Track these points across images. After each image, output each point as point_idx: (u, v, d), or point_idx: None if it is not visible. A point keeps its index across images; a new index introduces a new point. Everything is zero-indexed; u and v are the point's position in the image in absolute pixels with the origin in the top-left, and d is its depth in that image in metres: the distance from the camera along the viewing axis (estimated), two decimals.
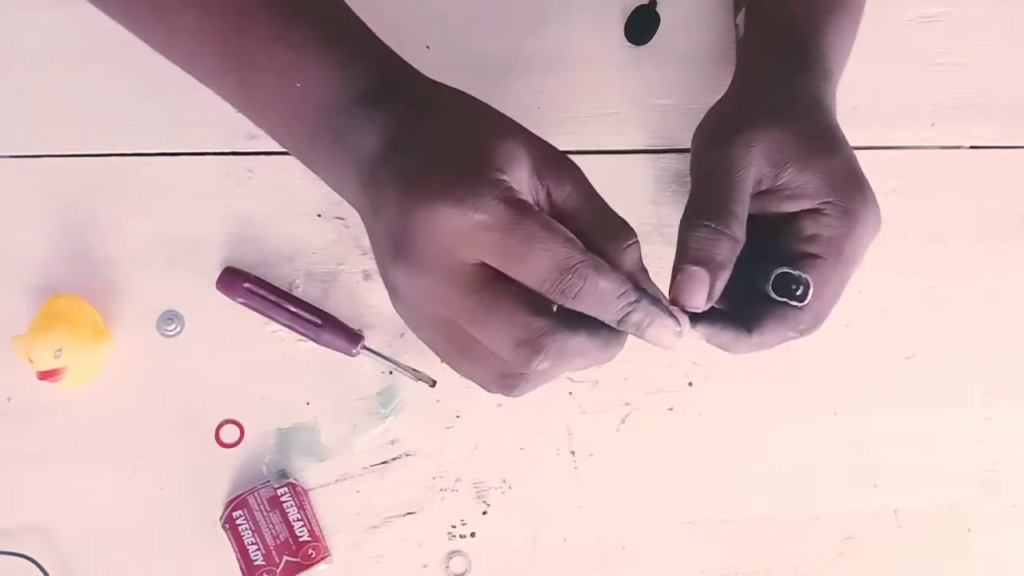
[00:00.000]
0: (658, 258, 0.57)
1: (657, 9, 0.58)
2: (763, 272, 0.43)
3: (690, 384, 0.56)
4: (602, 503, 0.54)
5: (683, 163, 0.58)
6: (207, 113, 0.56)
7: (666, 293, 0.43)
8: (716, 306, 0.44)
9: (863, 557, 0.55)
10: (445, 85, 0.41)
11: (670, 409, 0.56)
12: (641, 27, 0.58)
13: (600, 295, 0.36)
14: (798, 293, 0.42)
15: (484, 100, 0.56)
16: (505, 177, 0.36)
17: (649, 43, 0.59)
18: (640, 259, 0.40)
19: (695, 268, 0.42)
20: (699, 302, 0.42)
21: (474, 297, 0.36)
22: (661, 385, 0.56)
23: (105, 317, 0.53)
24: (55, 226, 0.54)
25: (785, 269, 0.43)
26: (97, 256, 0.54)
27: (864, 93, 0.58)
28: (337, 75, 0.40)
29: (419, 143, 0.37)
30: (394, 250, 0.36)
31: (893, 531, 0.56)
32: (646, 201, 0.57)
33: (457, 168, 0.35)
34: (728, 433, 0.56)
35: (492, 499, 0.54)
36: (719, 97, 0.58)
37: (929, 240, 0.59)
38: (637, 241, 0.39)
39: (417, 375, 0.53)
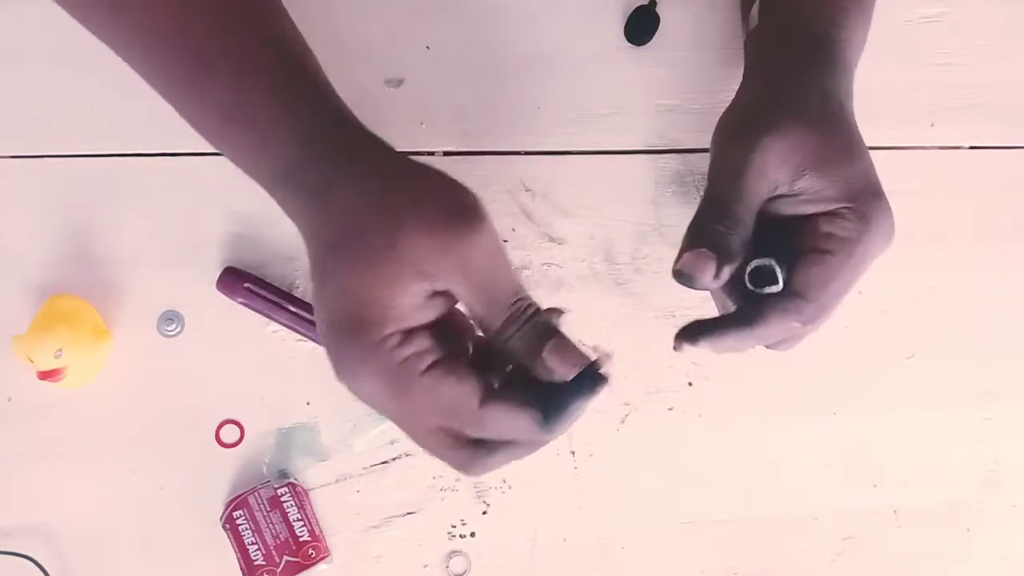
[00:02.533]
0: (659, 259, 0.57)
1: (657, 9, 0.58)
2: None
3: (690, 384, 0.56)
4: (602, 503, 0.54)
5: (683, 163, 0.58)
6: None
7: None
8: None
9: (863, 557, 0.56)
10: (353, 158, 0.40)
11: (670, 409, 0.56)
12: (641, 27, 0.58)
13: (508, 434, 0.38)
14: (775, 276, 0.43)
15: (484, 100, 0.57)
16: (385, 332, 0.36)
17: (649, 43, 0.59)
18: (537, 337, 0.39)
19: (703, 249, 0.43)
20: (707, 277, 0.43)
21: (401, 426, 0.39)
22: (661, 385, 0.56)
23: (105, 317, 0.53)
24: (55, 226, 0.54)
25: (758, 262, 0.43)
26: (97, 256, 0.54)
27: (864, 93, 0.58)
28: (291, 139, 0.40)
29: (320, 267, 0.38)
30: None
31: (893, 531, 0.56)
32: (646, 201, 0.57)
33: (340, 337, 0.37)
34: (728, 433, 0.56)
35: (492, 499, 0.54)
36: (719, 97, 0.58)
37: (929, 240, 0.59)
38: (534, 323, 0.39)
39: None
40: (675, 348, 0.46)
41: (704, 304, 0.56)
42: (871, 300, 0.57)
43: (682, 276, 0.44)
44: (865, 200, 0.44)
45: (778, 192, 0.45)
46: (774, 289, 0.43)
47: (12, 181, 0.54)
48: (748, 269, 0.44)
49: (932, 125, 0.60)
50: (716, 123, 0.49)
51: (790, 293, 0.44)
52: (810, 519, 0.56)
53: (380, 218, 0.37)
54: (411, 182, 0.38)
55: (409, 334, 0.37)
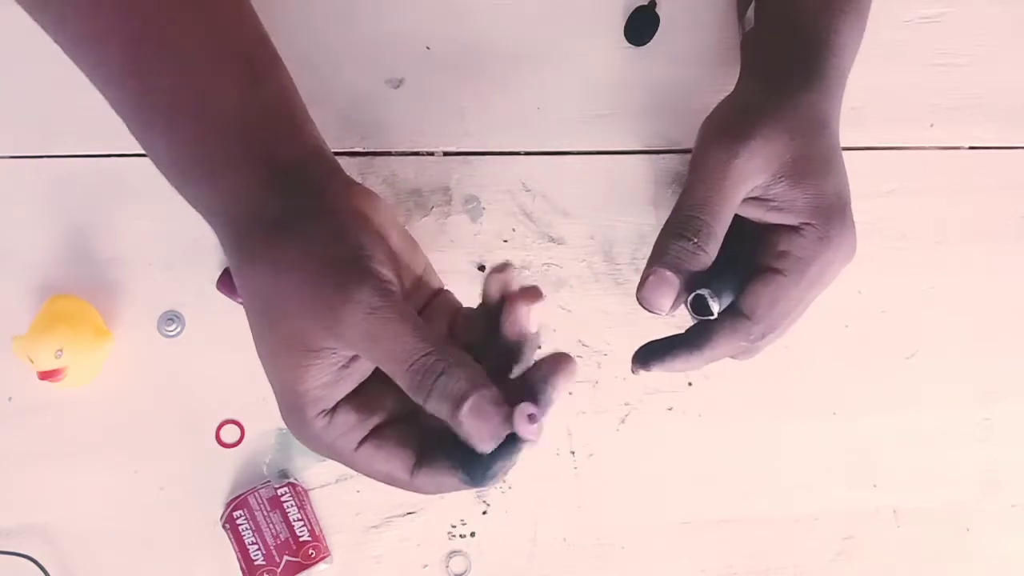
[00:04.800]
0: None
1: (657, 9, 0.58)
2: (718, 276, 0.44)
3: (689, 384, 0.56)
4: (602, 503, 0.55)
5: (683, 163, 0.58)
6: None
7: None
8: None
9: (863, 557, 0.56)
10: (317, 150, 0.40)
11: (670, 409, 0.56)
12: (641, 27, 0.58)
13: (442, 488, 0.38)
14: (709, 309, 0.43)
15: (484, 100, 0.57)
16: (319, 410, 0.37)
17: (649, 43, 0.59)
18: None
19: (669, 273, 0.43)
20: (665, 306, 0.44)
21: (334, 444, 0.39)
22: (660, 385, 0.56)
23: (106, 317, 0.53)
24: (56, 226, 0.54)
25: (701, 291, 0.43)
26: (98, 256, 0.54)
27: (863, 93, 0.58)
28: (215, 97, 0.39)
29: (258, 340, 0.38)
30: (258, 330, 0.38)
31: (892, 531, 0.56)
32: (646, 202, 0.57)
33: (285, 411, 0.38)
34: (727, 433, 0.56)
35: (492, 499, 0.54)
36: (719, 97, 0.58)
37: (929, 240, 0.59)
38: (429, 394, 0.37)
39: None
40: (633, 372, 0.47)
41: None
42: (871, 300, 0.57)
43: (646, 303, 0.44)
44: (830, 218, 0.44)
45: (752, 194, 0.45)
46: (709, 317, 0.44)
47: (12, 181, 0.54)
48: (688, 298, 0.44)
49: (932, 125, 0.60)
50: (702, 124, 0.49)
51: (738, 313, 0.44)
52: (810, 519, 0.56)
53: (273, 302, 0.36)
54: (299, 254, 0.36)
55: (333, 412, 0.37)
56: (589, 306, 0.56)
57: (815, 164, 0.45)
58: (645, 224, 0.57)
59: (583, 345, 0.56)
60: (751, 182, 0.44)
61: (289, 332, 0.36)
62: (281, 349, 0.37)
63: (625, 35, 0.58)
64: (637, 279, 0.56)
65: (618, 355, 0.56)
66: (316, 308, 0.35)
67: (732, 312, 0.44)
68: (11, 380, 0.52)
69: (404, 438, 0.38)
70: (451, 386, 0.34)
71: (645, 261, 0.56)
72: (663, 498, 0.55)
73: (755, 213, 0.45)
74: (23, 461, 0.52)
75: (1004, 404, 0.58)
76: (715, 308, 0.43)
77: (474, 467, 0.35)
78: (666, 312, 0.44)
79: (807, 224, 0.44)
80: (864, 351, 0.57)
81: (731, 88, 0.58)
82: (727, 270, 0.45)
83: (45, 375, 0.49)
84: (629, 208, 0.57)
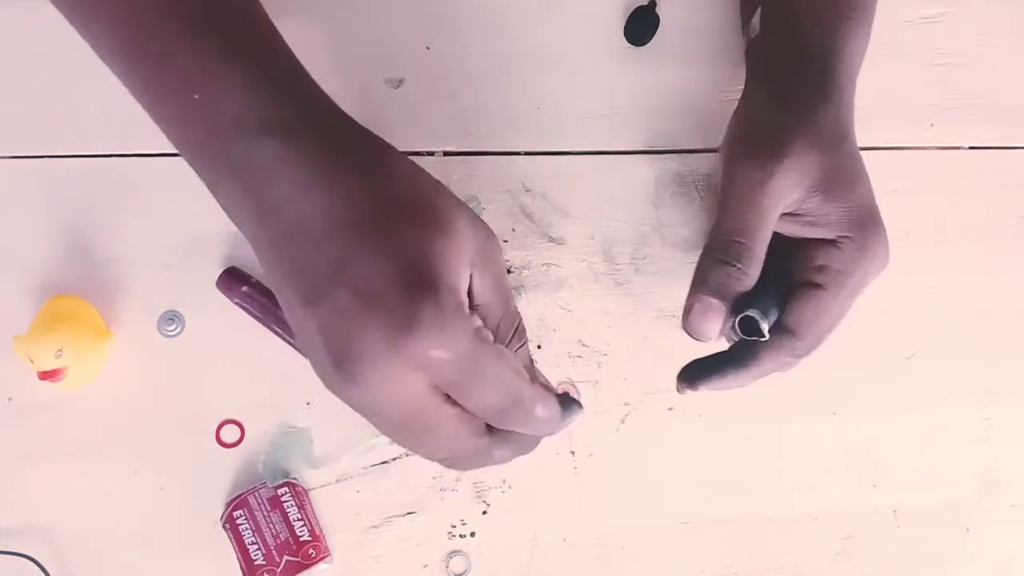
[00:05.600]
0: (659, 259, 0.57)
1: (657, 10, 0.58)
2: (758, 294, 0.45)
3: None
4: (602, 503, 0.55)
5: (683, 164, 0.58)
6: None
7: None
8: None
9: (863, 557, 0.56)
10: (379, 140, 0.36)
11: (670, 409, 0.56)
12: (641, 27, 0.58)
13: (535, 423, 0.36)
14: (759, 329, 0.44)
15: (484, 100, 0.57)
16: (463, 299, 0.33)
17: (649, 43, 0.59)
18: (529, 357, 0.40)
19: (715, 300, 0.43)
20: (713, 333, 0.44)
21: (415, 418, 0.34)
22: (661, 385, 0.56)
23: (106, 317, 0.53)
24: (55, 226, 0.54)
25: (749, 312, 0.43)
26: (98, 256, 0.54)
27: (864, 93, 0.58)
28: (238, 93, 0.34)
29: (362, 226, 0.32)
30: (332, 359, 0.32)
31: (892, 531, 0.56)
32: (646, 202, 0.57)
33: (415, 291, 0.31)
34: (727, 433, 0.56)
35: (492, 499, 0.54)
36: (718, 97, 0.58)
37: (929, 240, 0.59)
38: (527, 342, 0.39)
39: None
40: (678, 391, 0.47)
41: None
42: (871, 300, 0.57)
43: (692, 333, 0.44)
44: (865, 228, 0.45)
45: (786, 210, 0.45)
46: (760, 338, 0.44)
47: (12, 181, 0.54)
48: (736, 320, 0.44)
49: (932, 125, 0.60)
50: (725, 140, 0.49)
51: (782, 330, 0.44)
52: (810, 519, 0.56)
53: (440, 196, 0.34)
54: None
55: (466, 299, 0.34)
56: (589, 306, 0.56)
57: (844, 176, 0.45)
58: (645, 224, 0.57)
59: (583, 345, 0.56)
60: (786, 200, 0.44)
61: (418, 200, 0.33)
62: (406, 213, 0.32)
63: (625, 35, 0.58)
64: (637, 279, 0.56)
65: (618, 355, 0.56)
66: (484, 232, 0.34)
67: (777, 329, 0.45)
68: (11, 380, 0.52)
69: None
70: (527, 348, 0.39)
71: (645, 261, 0.57)
72: (663, 498, 0.55)
73: (789, 229, 0.46)
74: (23, 461, 0.52)
75: (1004, 404, 0.58)
76: (766, 329, 0.43)
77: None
78: (714, 339, 0.44)
79: (844, 237, 0.45)
80: (864, 351, 0.57)
81: (732, 88, 0.58)
82: (764, 286, 0.45)
83: (45, 375, 0.49)
84: (629, 208, 0.57)
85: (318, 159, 0.33)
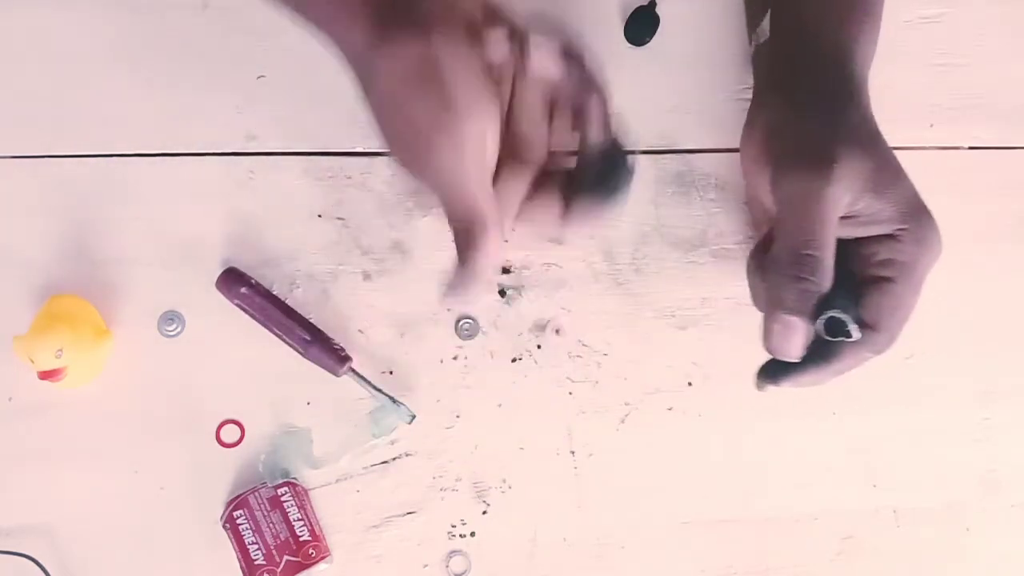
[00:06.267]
0: (659, 259, 0.57)
1: (657, 10, 0.58)
2: (831, 295, 0.44)
3: (690, 384, 0.56)
4: (602, 503, 0.55)
5: (683, 163, 0.58)
6: (207, 113, 0.56)
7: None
8: None
9: (863, 557, 0.56)
10: None
11: (670, 409, 0.56)
12: (641, 28, 0.58)
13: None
14: (846, 330, 0.43)
15: None
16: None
17: (649, 43, 0.59)
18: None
19: (794, 319, 0.43)
20: (797, 352, 0.44)
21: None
22: (661, 385, 0.56)
23: (106, 317, 0.53)
24: (56, 226, 0.54)
25: (833, 313, 0.43)
26: (98, 256, 0.54)
27: None
28: None
29: None
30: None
31: (892, 531, 0.56)
32: (646, 201, 0.57)
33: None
34: (728, 433, 0.56)
35: (492, 499, 0.54)
36: (719, 97, 0.58)
37: None
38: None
39: (398, 406, 0.53)
40: (759, 388, 0.47)
41: (705, 304, 0.57)
42: None
43: (776, 353, 0.44)
44: (919, 218, 0.45)
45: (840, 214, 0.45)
46: (847, 339, 0.44)
47: (12, 181, 0.54)
48: (823, 320, 0.44)
49: (931, 125, 0.60)
50: (756, 155, 0.49)
51: (862, 326, 0.45)
52: (810, 519, 0.56)
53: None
54: None
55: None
56: (589, 306, 0.56)
57: (888, 172, 0.46)
58: (645, 224, 0.57)
59: (583, 345, 0.56)
60: (842, 205, 0.45)
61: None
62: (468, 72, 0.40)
63: (625, 35, 0.58)
64: (637, 279, 0.56)
65: (618, 355, 0.56)
66: None
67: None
68: (11, 380, 0.52)
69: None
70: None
71: (645, 261, 0.57)
72: (663, 498, 0.55)
73: (845, 231, 0.46)
74: (23, 461, 0.52)
75: (1004, 404, 0.58)
76: (855, 330, 0.43)
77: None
78: (798, 357, 0.44)
79: (901, 229, 0.45)
80: None
81: (732, 88, 0.58)
82: (833, 288, 0.45)
83: (45, 375, 0.49)
84: (629, 208, 0.57)
85: None
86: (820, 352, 0.45)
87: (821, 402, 0.57)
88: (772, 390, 0.47)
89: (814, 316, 0.44)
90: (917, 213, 0.46)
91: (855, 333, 0.43)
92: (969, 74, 0.60)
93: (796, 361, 0.45)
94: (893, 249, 0.45)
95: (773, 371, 0.46)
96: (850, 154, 0.45)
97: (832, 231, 0.44)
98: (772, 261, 0.45)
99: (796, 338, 0.44)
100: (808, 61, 0.50)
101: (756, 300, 0.50)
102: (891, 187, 0.45)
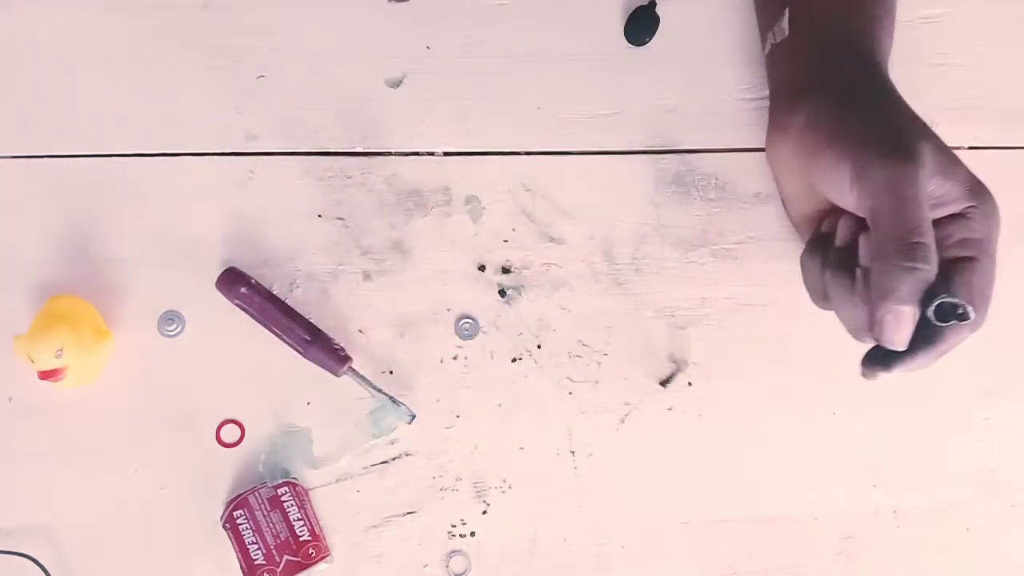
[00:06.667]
0: (659, 259, 0.57)
1: (657, 10, 0.58)
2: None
3: (690, 384, 0.56)
4: (602, 503, 0.55)
5: (683, 163, 0.58)
6: (207, 113, 0.56)
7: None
8: None
9: (862, 557, 0.56)
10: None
11: (670, 409, 0.56)
12: (641, 27, 0.58)
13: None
14: (959, 312, 0.44)
15: (484, 100, 0.57)
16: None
17: (649, 43, 0.59)
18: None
19: (906, 308, 0.43)
20: (907, 341, 0.44)
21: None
22: (660, 385, 0.56)
23: (106, 317, 0.53)
24: (56, 226, 0.54)
25: (944, 298, 0.44)
26: (98, 256, 0.54)
27: None
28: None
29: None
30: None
31: (892, 531, 0.56)
32: (646, 201, 0.57)
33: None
34: (728, 433, 0.56)
35: (492, 499, 0.54)
36: (719, 97, 0.58)
37: None
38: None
39: (398, 406, 0.53)
40: (866, 376, 0.47)
41: (705, 304, 0.57)
42: None
43: (888, 343, 0.44)
44: (981, 196, 0.47)
45: None
46: (962, 322, 0.44)
47: (12, 181, 0.54)
48: (934, 306, 0.44)
49: (932, 126, 0.60)
50: (780, 149, 0.52)
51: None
52: (810, 519, 0.56)
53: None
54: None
55: None
56: (589, 306, 0.56)
57: (947, 152, 0.47)
58: (645, 224, 0.57)
59: (583, 345, 0.56)
60: (928, 189, 0.45)
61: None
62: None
63: (625, 35, 0.58)
64: (637, 279, 0.56)
65: (618, 355, 0.56)
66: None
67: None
68: (11, 380, 0.52)
69: None
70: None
71: (645, 261, 0.57)
72: (663, 498, 0.55)
73: None
74: (23, 461, 0.52)
75: (1004, 404, 0.58)
76: (970, 311, 0.44)
77: None
78: (906, 344, 0.44)
79: (970, 207, 0.46)
80: (864, 351, 0.57)
81: (732, 88, 0.58)
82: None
83: (45, 375, 0.49)
84: (629, 208, 0.57)
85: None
86: (925, 336, 0.45)
87: (821, 402, 0.57)
88: (884, 377, 0.46)
89: (922, 303, 0.44)
90: (979, 190, 0.47)
91: (971, 314, 0.44)
92: (969, 74, 0.60)
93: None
94: (966, 228, 0.46)
95: (883, 359, 0.46)
96: (925, 139, 0.46)
97: (928, 215, 0.44)
98: (878, 253, 0.44)
99: (907, 326, 0.44)
100: (842, 59, 0.51)
101: (818, 298, 0.50)
102: (955, 168, 0.46)
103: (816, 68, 0.52)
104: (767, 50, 0.55)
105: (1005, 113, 0.60)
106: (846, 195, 0.47)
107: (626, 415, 0.55)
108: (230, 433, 0.53)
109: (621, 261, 0.57)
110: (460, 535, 0.54)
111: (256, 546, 0.51)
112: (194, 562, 0.52)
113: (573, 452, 0.55)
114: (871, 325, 0.44)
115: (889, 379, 0.46)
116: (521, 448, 0.55)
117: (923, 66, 0.60)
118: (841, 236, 0.49)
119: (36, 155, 0.54)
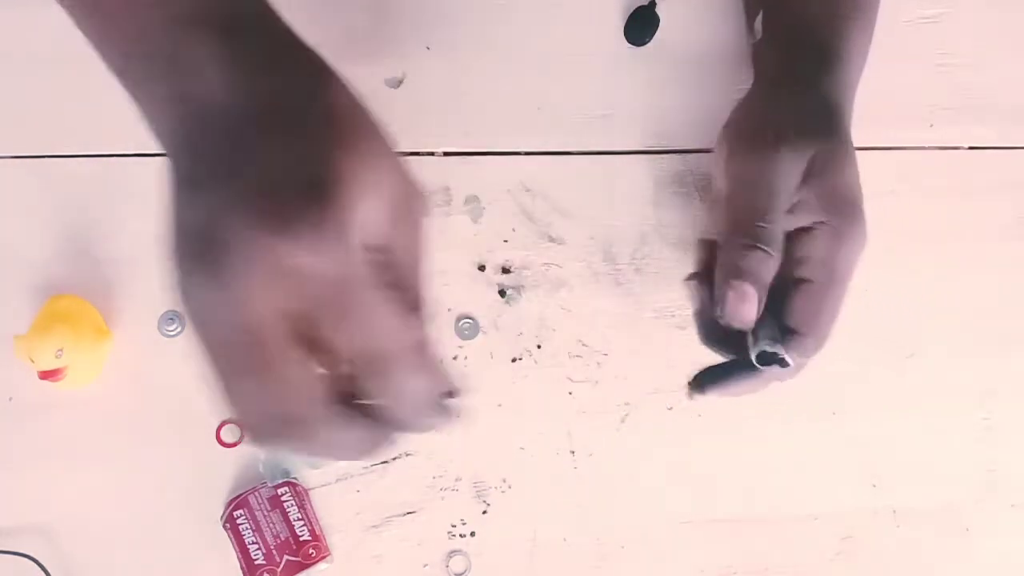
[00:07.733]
0: (658, 259, 0.57)
1: (657, 9, 0.58)
2: (756, 329, 0.45)
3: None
4: (602, 503, 0.55)
5: (683, 163, 0.58)
6: None
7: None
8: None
9: (862, 557, 0.56)
10: (329, 67, 0.33)
11: (670, 409, 0.56)
12: (641, 27, 0.58)
13: (403, 390, 0.32)
14: (779, 359, 0.44)
15: (484, 100, 0.57)
16: (357, 226, 0.29)
17: (649, 43, 0.59)
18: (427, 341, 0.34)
19: (747, 286, 0.43)
20: (752, 318, 0.44)
21: (252, 343, 0.31)
22: (661, 385, 0.56)
23: (106, 317, 0.53)
24: (56, 226, 0.54)
25: (764, 347, 0.44)
26: (98, 256, 0.54)
27: (863, 94, 0.58)
28: None
29: (277, 126, 0.29)
30: (200, 244, 0.29)
31: (892, 531, 0.56)
32: (645, 202, 0.57)
33: (310, 193, 0.28)
34: (728, 433, 0.56)
35: (492, 499, 0.54)
36: (719, 97, 0.58)
37: (929, 240, 0.59)
38: (428, 329, 0.34)
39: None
40: (688, 397, 0.48)
41: None
42: (871, 300, 0.57)
43: (731, 319, 0.44)
44: (840, 212, 0.45)
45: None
46: (785, 367, 0.45)
47: (12, 181, 0.54)
48: (755, 353, 0.45)
49: (931, 125, 0.60)
50: (725, 135, 0.50)
51: (787, 331, 0.45)
52: (809, 519, 0.56)
53: (375, 136, 0.32)
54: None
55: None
56: (589, 306, 0.56)
57: (832, 162, 0.45)
58: (645, 224, 0.57)
59: (583, 345, 0.56)
60: (791, 185, 0.45)
61: (349, 128, 0.30)
62: (331, 134, 0.29)
63: (625, 35, 0.58)
64: (637, 279, 0.56)
65: (618, 355, 0.56)
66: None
67: (782, 331, 0.45)
68: (11, 380, 0.52)
69: None
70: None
71: (645, 261, 0.57)
72: (663, 498, 0.55)
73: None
74: (23, 461, 0.52)
75: (1004, 404, 0.58)
76: (786, 355, 0.44)
77: None
78: (753, 323, 0.44)
79: (819, 223, 0.45)
80: (864, 351, 0.57)
81: (732, 88, 0.58)
82: (761, 318, 0.45)
83: (45, 375, 0.49)
84: (629, 208, 0.57)
85: (252, 61, 0.30)
86: (749, 363, 0.45)
87: (821, 402, 0.57)
88: (699, 398, 0.48)
89: (754, 334, 0.45)
90: (840, 206, 0.45)
91: (789, 361, 0.44)
92: (969, 74, 0.60)
93: (728, 364, 0.47)
94: (807, 245, 0.45)
95: (703, 381, 0.47)
96: (797, 138, 0.45)
97: (780, 205, 0.44)
98: (726, 234, 0.45)
99: (749, 304, 0.44)
100: (790, 54, 0.50)
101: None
102: (824, 178, 0.45)
103: (769, 62, 0.52)
104: (751, 51, 0.56)
105: (1005, 113, 0.60)
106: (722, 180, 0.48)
107: (626, 415, 0.55)
108: (230, 433, 0.53)
109: (621, 261, 0.57)
110: (460, 535, 0.54)
111: (256, 546, 0.51)
112: (194, 562, 0.52)
113: (573, 452, 0.55)
114: (718, 302, 0.45)
115: (706, 400, 0.47)
116: (521, 448, 0.55)
117: (921, 66, 0.60)
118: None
119: (36, 155, 0.54)
